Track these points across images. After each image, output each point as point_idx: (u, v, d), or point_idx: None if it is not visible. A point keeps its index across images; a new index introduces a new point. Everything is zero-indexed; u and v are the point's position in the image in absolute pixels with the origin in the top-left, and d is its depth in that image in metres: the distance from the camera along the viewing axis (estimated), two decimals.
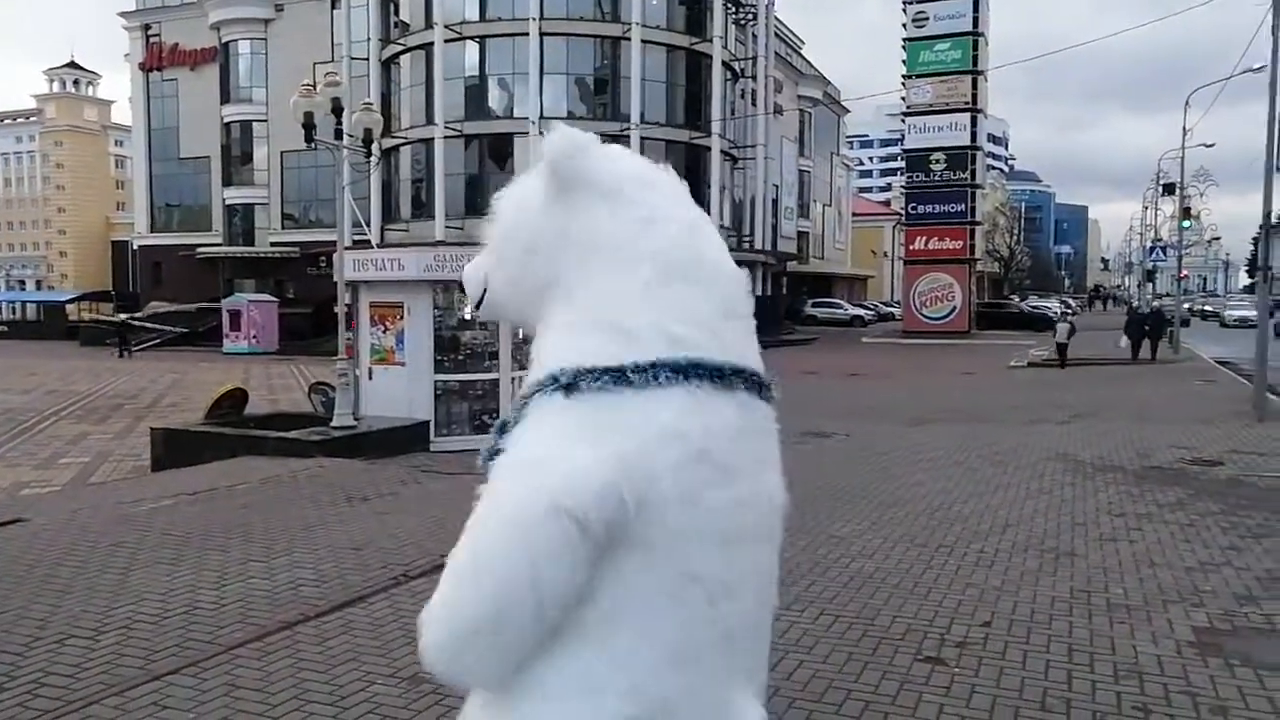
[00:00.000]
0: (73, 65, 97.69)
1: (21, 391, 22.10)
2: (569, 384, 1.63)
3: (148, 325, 42.94)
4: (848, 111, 72.11)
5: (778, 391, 1.81)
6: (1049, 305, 60.60)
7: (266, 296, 41.10)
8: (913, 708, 3.88)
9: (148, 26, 51.03)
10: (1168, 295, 44.09)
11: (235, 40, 47.91)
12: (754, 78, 45.08)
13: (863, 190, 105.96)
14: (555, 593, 1.50)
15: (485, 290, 2.00)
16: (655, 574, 1.57)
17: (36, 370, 28.28)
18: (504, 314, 2.06)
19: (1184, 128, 31.85)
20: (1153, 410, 15.09)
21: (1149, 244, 43.39)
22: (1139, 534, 6.82)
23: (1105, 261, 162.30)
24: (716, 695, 1.60)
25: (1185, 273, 40.12)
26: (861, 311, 56.93)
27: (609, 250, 1.76)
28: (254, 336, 37.65)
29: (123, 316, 42.89)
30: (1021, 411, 15.50)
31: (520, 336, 12.76)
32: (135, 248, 53.99)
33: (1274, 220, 14.48)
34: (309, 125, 12.03)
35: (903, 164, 49.07)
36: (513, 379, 11.51)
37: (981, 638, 4.68)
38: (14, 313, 57.10)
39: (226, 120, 48.31)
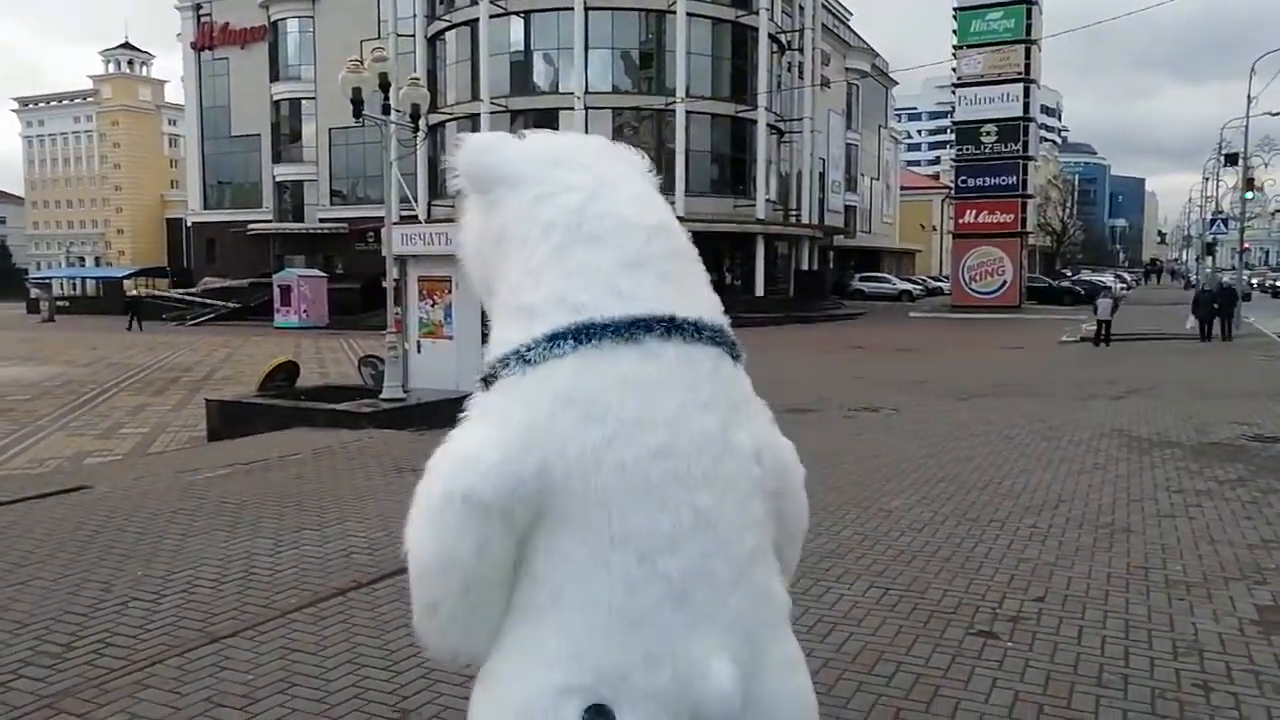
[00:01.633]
0: (127, 46, 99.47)
1: (83, 364, 22.68)
2: (486, 377, 1.74)
3: (180, 299, 43.83)
4: (896, 84, 70.87)
5: (713, 329, 1.74)
6: (1102, 279, 59.21)
7: (316, 272, 41.66)
8: (965, 681, 3.84)
9: (199, 6, 51.82)
10: (1231, 269, 42.92)
11: (284, 18, 48.46)
12: (801, 50, 44.47)
13: (911, 164, 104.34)
14: (472, 568, 1.58)
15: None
16: (586, 542, 1.57)
17: (96, 344, 29.01)
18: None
19: (1248, 95, 30.86)
20: (1211, 386, 14.71)
21: (1209, 216, 42.14)
22: (1198, 510, 6.67)
23: (1162, 235, 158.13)
24: (678, 653, 1.55)
25: (1247, 245, 38.93)
26: (909, 286, 55.98)
27: (512, 235, 1.79)
28: (304, 311, 38.20)
29: (134, 293, 43.78)
30: (1074, 386, 15.19)
31: None
32: (189, 224, 55.11)
33: None
34: (357, 101, 12.09)
35: (952, 136, 48.14)
36: None
37: (1035, 612, 4.62)
38: (75, 288, 58.59)
39: (276, 98, 48.98)
